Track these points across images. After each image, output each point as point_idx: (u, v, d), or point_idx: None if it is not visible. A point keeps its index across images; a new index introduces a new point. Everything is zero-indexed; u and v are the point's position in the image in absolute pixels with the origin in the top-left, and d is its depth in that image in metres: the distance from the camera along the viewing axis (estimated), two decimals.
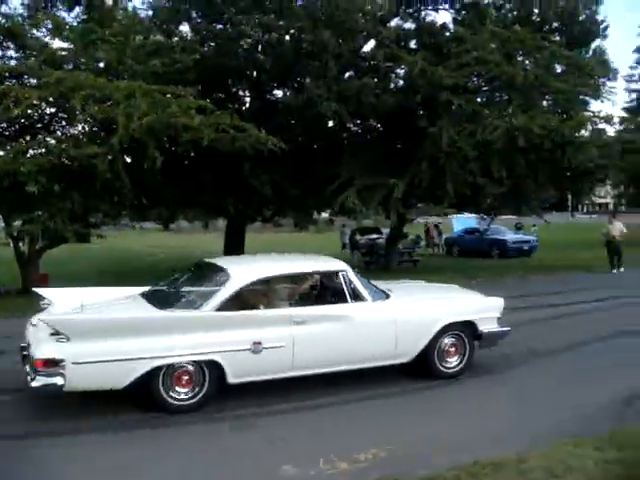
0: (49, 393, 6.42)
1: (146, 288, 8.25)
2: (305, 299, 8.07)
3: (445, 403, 7.23)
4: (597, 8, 23.06)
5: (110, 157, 14.04)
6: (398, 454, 5.60)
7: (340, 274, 7.71)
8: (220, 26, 18.77)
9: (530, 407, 6.95)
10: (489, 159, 18.12)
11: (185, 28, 19.23)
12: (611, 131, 24.25)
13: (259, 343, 6.86)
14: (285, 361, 7.06)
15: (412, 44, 20.62)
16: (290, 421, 6.64)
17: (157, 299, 7.49)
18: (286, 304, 7.81)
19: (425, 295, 9.04)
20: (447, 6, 20.76)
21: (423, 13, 20.30)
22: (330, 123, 19.74)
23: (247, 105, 20.97)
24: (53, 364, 6.19)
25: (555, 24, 22.34)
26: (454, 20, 21.04)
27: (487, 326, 8.23)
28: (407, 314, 7.85)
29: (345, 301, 7.56)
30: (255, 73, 19.22)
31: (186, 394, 6.79)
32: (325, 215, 26.46)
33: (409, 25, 20.65)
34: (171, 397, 6.72)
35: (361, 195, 18.25)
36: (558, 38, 21.87)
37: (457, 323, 8.05)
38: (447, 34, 20.06)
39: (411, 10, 20.40)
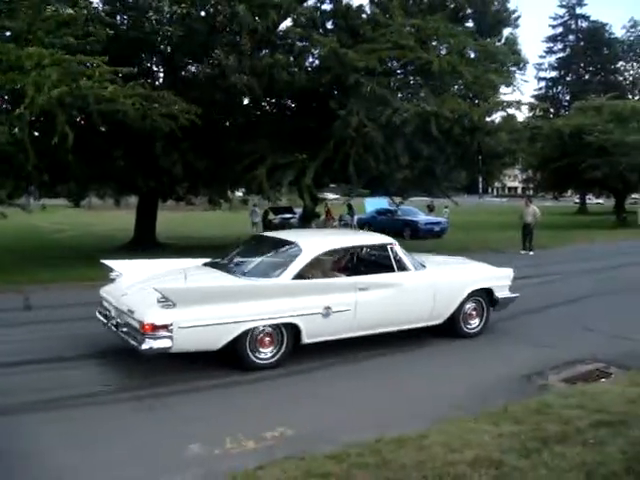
0: (153, 354, 6.99)
1: (204, 260, 9.24)
2: (362, 268, 9.04)
3: (357, 381, 7.35)
4: None
5: (16, 129, 13.47)
6: (305, 432, 5.66)
7: (388, 246, 8.71)
8: None
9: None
10: (396, 144, 18.35)
11: None
12: (520, 117, 24.99)
13: (329, 307, 7.70)
14: (349, 323, 8.01)
15: (329, 25, 20.56)
16: (199, 400, 6.63)
17: (233, 269, 8.29)
18: (347, 273, 8.80)
19: (451, 266, 10.20)
20: None
21: None
22: (245, 101, 19.55)
23: (160, 80, 20.50)
24: (162, 328, 6.76)
25: (469, 10, 22.71)
26: (371, 2, 21.09)
27: (501, 293, 9.52)
28: (443, 282, 8.98)
29: (393, 270, 8.57)
30: (169, 48, 18.76)
31: (270, 353, 7.56)
32: (239, 194, 26.31)
33: (326, 6, 20.58)
34: (256, 357, 7.48)
35: (273, 174, 18.22)
36: (472, 25, 22.28)
37: (480, 290, 9.29)
38: (363, 16, 20.09)
39: None
